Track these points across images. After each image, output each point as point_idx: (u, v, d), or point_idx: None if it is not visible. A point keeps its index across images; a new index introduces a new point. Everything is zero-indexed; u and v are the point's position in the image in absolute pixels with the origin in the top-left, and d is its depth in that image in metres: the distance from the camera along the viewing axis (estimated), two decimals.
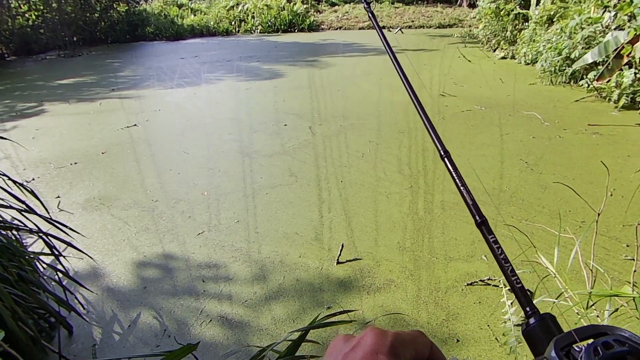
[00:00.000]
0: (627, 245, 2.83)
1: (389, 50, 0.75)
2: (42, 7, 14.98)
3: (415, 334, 0.37)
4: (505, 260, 0.48)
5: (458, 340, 2.16)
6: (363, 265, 2.77)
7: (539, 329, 0.41)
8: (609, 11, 5.63)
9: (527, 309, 0.44)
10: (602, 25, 6.21)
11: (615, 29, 5.63)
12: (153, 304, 2.54)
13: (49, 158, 4.93)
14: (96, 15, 16.38)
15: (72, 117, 6.62)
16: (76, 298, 2.56)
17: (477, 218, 0.53)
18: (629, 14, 5.03)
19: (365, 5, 0.92)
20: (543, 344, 0.39)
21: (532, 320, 0.42)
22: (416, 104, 0.64)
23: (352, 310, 2.36)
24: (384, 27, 16.45)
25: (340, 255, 2.85)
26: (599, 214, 2.10)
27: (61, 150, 5.17)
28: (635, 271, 1.94)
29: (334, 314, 1.47)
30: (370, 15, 0.86)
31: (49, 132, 5.91)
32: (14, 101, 7.90)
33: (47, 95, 8.24)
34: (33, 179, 4.36)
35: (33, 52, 14.35)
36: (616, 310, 1.82)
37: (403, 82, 0.67)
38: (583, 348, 0.35)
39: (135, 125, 6.00)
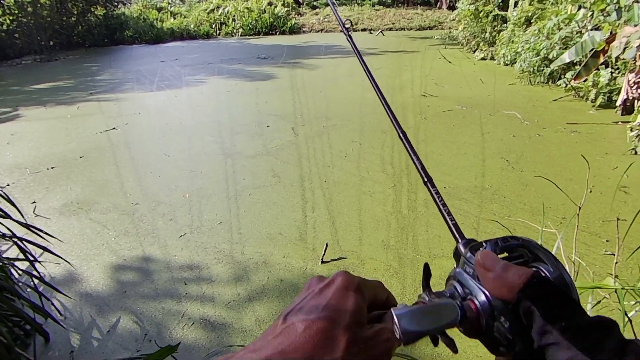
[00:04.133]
0: (607, 241, 2.87)
1: (358, 55, 0.81)
2: (16, 12, 14.63)
3: (376, 282, 0.45)
4: (444, 205, 0.52)
5: None
6: (348, 264, 2.75)
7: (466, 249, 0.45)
8: (584, 7, 5.75)
9: (458, 238, 0.48)
10: (577, 23, 6.34)
11: (591, 29, 5.75)
12: (133, 308, 2.47)
13: (24, 163, 4.80)
14: (73, 19, 16.09)
15: (48, 122, 6.47)
16: (53, 304, 2.48)
17: (424, 178, 0.58)
18: (603, 10, 5.13)
19: (345, 31, 0.95)
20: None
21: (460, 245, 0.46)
22: (383, 102, 0.67)
23: None
24: (364, 30, 16.56)
25: (324, 254, 2.82)
26: (580, 207, 2.12)
27: (37, 155, 5.04)
28: (617, 263, 1.96)
29: None
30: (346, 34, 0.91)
31: (25, 137, 5.76)
32: None
33: (23, 100, 8.04)
34: (8, 185, 4.23)
35: (8, 57, 13.99)
36: (599, 302, 1.83)
37: (373, 87, 0.72)
38: (487, 244, 0.42)
39: (114, 128, 5.88)
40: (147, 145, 5.23)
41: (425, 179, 0.57)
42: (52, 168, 4.62)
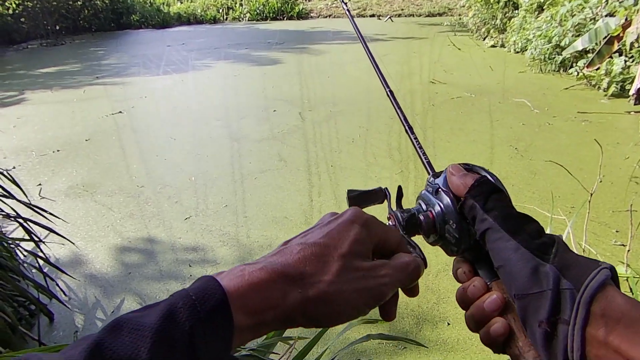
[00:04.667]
0: (617, 231, 2.82)
1: (361, 39, 0.84)
2: None
3: (392, 228, 0.46)
4: (412, 131, 0.60)
5: (449, 324, 2.14)
6: None
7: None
8: None
9: (430, 171, 0.54)
10: (591, 9, 6.20)
11: (606, 15, 5.62)
12: (137, 289, 2.47)
13: (30, 146, 4.79)
14: (79, 3, 15.96)
15: (54, 105, 6.46)
16: (57, 285, 2.48)
17: (387, 88, 0.65)
18: None
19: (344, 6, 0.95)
20: None
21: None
22: (385, 87, 0.69)
23: None
24: (372, 16, 16.37)
25: None
26: (591, 194, 2.08)
27: (43, 138, 5.03)
28: (629, 251, 1.92)
29: None
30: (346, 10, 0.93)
31: (31, 120, 5.75)
32: None
33: (29, 84, 8.03)
34: (14, 167, 4.23)
35: (14, 42, 13.95)
36: None
37: (376, 71, 0.73)
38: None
39: (120, 112, 5.87)
40: (153, 128, 5.21)
41: (388, 90, 0.65)
42: (58, 151, 4.61)
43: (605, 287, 0.34)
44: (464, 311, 0.45)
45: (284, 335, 1.31)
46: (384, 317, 0.43)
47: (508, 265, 0.39)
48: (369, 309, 0.39)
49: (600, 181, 3.47)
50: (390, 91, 0.66)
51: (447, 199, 0.47)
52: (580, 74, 6.16)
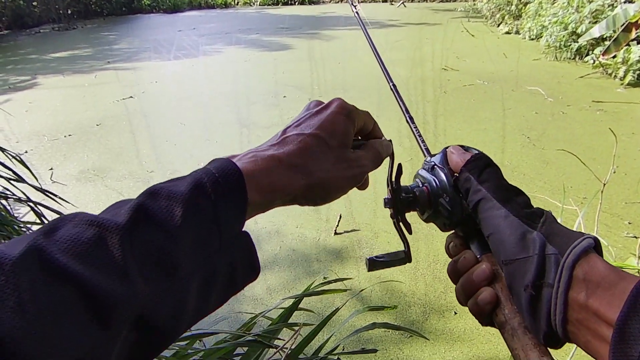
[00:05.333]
0: (630, 223, 2.78)
1: (362, 27, 0.85)
2: None
3: (365, 112, 0.51)
4: (412, 120, 0.63)
5: (456, 313, 2.13)
6: (361, 237, 2.72)
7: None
8: None
9: (426, 154, 0.57)
10: None
11: (625, 1, 5.47)
12: None
13: (42, 131, 4.84)
14: None
15: (66, 90, 6.50)
16: None
17: (390, 82, 0.67)
18: None
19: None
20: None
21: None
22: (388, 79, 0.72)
23: (348, 279, 2.32)
24: (385, 1, 16.13)
25: (337, 226, 2.80)
26: (604, 184, 2.04)
27: (55, 122, 5.07)
28: None
29: (329, 282, 1.42)
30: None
31: (43, 105, 5.80)
32: (7, 75, 7.76)
33: (41, 68, 8.08)
34: (26, 152, 4.28)
35: (26, 26, 14.03)
36: None
37: (377, 60, 0.76)
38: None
39: (131, 97, 5.88)
40: (163, 114, 5.22)
41: (392, 84, 0.68)
42: (70, 136, 4.65)
43: (588, 253, 0.36)
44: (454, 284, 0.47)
45: (289, 322, 1.31)
46: (360, 188, 0.52)
47: (497, 232, 0.41)
48: (350, 189, 0.48)
49: (614, 172, 3.41)
50: (394, 85, 0.69)
51: (442, 175, 0.50)
52: (596, 62, 6.03)
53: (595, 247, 0.37)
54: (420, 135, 0.61)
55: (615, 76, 5.74)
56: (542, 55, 7.25)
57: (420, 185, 0.52)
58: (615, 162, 3.52)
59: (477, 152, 0.49)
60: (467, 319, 2.09)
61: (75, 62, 8.48)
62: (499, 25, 9.95)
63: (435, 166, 0.51)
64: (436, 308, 2.17)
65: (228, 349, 1.14)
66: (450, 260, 0.49)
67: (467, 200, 0.46)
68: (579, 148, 3.82)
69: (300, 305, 1.33)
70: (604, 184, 2.02)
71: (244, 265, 0.42)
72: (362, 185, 0.51)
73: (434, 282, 2.32)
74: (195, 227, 0.36)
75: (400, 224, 0.53)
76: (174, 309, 0.35)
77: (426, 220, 0.53)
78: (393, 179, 0.52)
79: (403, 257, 0.54)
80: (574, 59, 6.86)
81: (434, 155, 0.53)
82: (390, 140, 0.54)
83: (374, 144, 0.51)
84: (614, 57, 5.62)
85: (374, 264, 0.53)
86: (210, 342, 1.27)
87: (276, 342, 1.22)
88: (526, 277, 0.38)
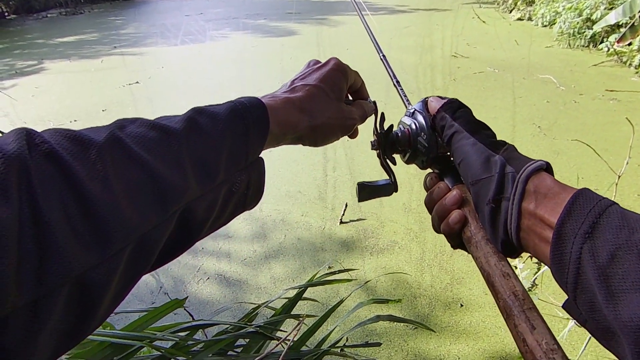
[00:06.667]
0: None
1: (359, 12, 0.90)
2: None
3: (355, 72, 0.60)
4: (397, 81, 0.69)
5: (462, 305, 2.10)
6: (367, 226, 2.69)
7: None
8: None
9: (407, 105, 0.63)
10: None
11: None
12: None
13: (48, 116, 4.83)
14: None
15: (72, 75, 6.48)
16: None
17: (379, 52, 0.75)
18: None
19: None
20: None
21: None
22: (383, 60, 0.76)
23: (353, 269, 2.29)
24: None
25: (343, 214, 2.76)
26: (619, 176, 1.99)
27: (61, 108, 5.06)
28: None
29: (334, 272, 1.39)
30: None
31: (49, 90, 5.78)
32: (14, 59, 7.74)
33: (48, 53, 8.06)
34: None
35: (34, 11, 13.99)
36: None
37: (369, 35, 0.82)
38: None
39: (137, 82, 5.85)
40: (169, 99, 5.18)
41: (381, 54, 0.74)
42: (75, 121, 4.64)
43: (540, 171, 0.42)
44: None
45: (292, 313, 1.29)
46: (351, 137, 0.62)
47: (466, 157, 0.47)
48: (342, 136, 0.59)
49: (627, 163, 3.33)
50: (384, 55, 0.75)
51: (420, 117, 0.56)
52: (611, 49, 5.88)
53: (547, 169, 0.42)
54: (405, 95, 0.67)
55: (630, 64, 5.60)
56: (555, 42, 7.09)
57: (402, 129, 0.59)
58: (628, 153, 3.45)
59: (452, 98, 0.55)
60: (473, 311, 2.06)
61: (82, 47, 8.44)
62: (510, 12, 9.75)
63: (416, 111, 0.57)
64: (442, 300, 2.14)
65: (229, 340, 1.12)
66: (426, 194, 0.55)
67: (443, 135, 0.52)
68: (591, 138, 3.74)
69: (305, 295, 1.31)
70: (619, 176, 1.96)
71: (255, 187, 0.49)
72: (353, 134, 0.61)
73: (440, 273, 2.29)
74: (232, 145, 0.43)
75: (387, 160, 0.60)
76: (206, 211, 0.41)
77: (407, 162, 0.60)
78: (377, 126, 0.59)
79: (391, 185, 0.61)
80: (587, 46, 6.70)
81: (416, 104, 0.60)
82: (375, 102, 0.64)
83: (361, 103, 0.62)
84: (630, 44, 5.48)
85: (363, 188, 0.61)
86: (212, 332, 1.25)
87: (278, 333, 1.19)
88: (488, 194, 0.43)
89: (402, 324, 1.98)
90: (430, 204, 0.54)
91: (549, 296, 1.95)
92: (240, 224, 2.77)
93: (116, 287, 0.33)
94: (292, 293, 1.31)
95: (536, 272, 2.16)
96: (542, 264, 2.18)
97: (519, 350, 0.38)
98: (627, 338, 0.30)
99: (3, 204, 0.26)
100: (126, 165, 0.34)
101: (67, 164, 0.30)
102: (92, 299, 0.31)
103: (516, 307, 0.39)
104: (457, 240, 0.50)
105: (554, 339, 0.36)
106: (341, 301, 1.25)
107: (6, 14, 13.67)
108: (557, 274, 0.36)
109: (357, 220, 2.75)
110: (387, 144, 0.59)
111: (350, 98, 0.63)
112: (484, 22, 8.92)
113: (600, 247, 0.33)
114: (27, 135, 0.30)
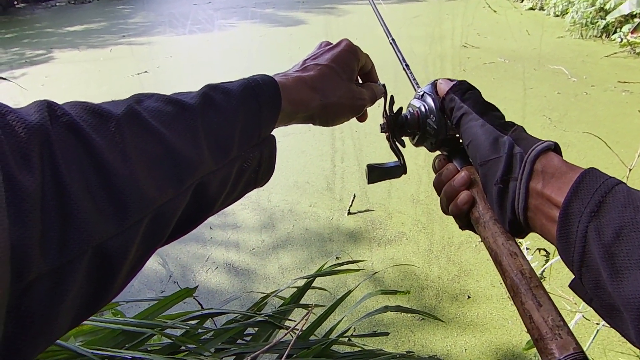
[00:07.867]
0: None
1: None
2: None
3: (367, 54, 0.61)
4: (406, 65, 0.68)
5: (469, 297, 2.10)
6: (375, 217, 2.69)
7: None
8: None
9: (416, 88, 0.62)
10: None
11: None
12: (159, 250, 2.50)
13: None
14: None
15: (81, 64, 6.50)
16: None
17: (389, 36, 0.73)
18: None
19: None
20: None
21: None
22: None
23: (361, 261, 2.30)
24: None
25: (351, 205, 2.77)
26: (630, 170, 1.97)
27: (70, 97, 5.02)
28: None
29: (342, 263, 1.40)
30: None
31: (58, 79, 5.82)
32: (23, 48, 7.78)
33: (57, 42, 8.08)
34: None
35: None
36: None
37: (379, 19, 0.82)
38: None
39: (145, 72, 5.86)
40: (177, 89, 5.09)
41: (390, 38, 0.73)
42: None
43: (547, 151, 0.42)
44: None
45: (300, 302, 1.30)
46: (360, 119, 0.62)
47: (475, 138, 0.47)
48: (352, 117, 0.59)
49: (638, 156, 3.30)
50: (393, 39, 0.73)
51: (430, 99, 0.56)
52: (624, 40, 5.79)
53: (555, 149, 0.43)
54: (414, 79, 0.66)
55: None
56: (567, 32, 6.99)
57: (411, 111, 0.59)
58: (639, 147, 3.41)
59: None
60: (480, 303, 2.06)
61: (91, 36, 8.46)
62: (522, 1, 9.60)
63: (425, 93, 0.57)
64: (449, 291, 2.14)
65: (238, 329, 1.13)
66: (435, 176, 0.56)
67: (452, 117, 0.52)
68: (602, 130, 3.69)
69: (313, 285, 1.32)
70: (630, 169, 1.94)
71: (267, 164, 0.51)
72: (362, 116, 0.61)
73: (447, 265, 2.29)
74: (245, 121, 0.44)
75: (396, 142, 0.61)
76: (219, 186, 0.42)
77: (416, 144, 0.60)
78: (387, 109, 0.59)
79: (400, 167, 0.62)
80: (600, 37, 6.59)
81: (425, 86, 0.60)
82: (384, 85, 0.64)
83: (371, 85, 0.62)
84: None
85: (373, 170, 0.61)
86: (221, 321, 1.26)
87: (287, 323, 1.21)
88: (497, 174, 0.43)
89: (409, 314, 1.99)
90: (439, 186, 0.54)
91: (557, 289, 1.95)
92: (248, 214, 2.78)
93: (133, 258, 0.34)
94: (300, 283, 1.32)
95: (544, 265, 2.16)
96: (549, 257, 2.17)
97: (525, 326, 0.38)
98: (630, 314, 0.30)
99: (27, 173, 0.26)
100: (144, 138, 0.35)
101: (88, 135, 0.31)
102: (111, 268, 0.32)
103: (523, 285, 0.39)
104: (465, 220, 0.51)
105: (560, 315, 0.36)
106: (349, 292, 1.26)
107: (15, 2, 13.71)
108: (563, 252, 0.37)
109: (365, 211, 2.76)
110: (396, 126, 0.60)
111: (360, 81, 0.64)
112: (495, 11, 8.80)
113: (606, 226, 0.33)
114: (48, 106, 0.31)
